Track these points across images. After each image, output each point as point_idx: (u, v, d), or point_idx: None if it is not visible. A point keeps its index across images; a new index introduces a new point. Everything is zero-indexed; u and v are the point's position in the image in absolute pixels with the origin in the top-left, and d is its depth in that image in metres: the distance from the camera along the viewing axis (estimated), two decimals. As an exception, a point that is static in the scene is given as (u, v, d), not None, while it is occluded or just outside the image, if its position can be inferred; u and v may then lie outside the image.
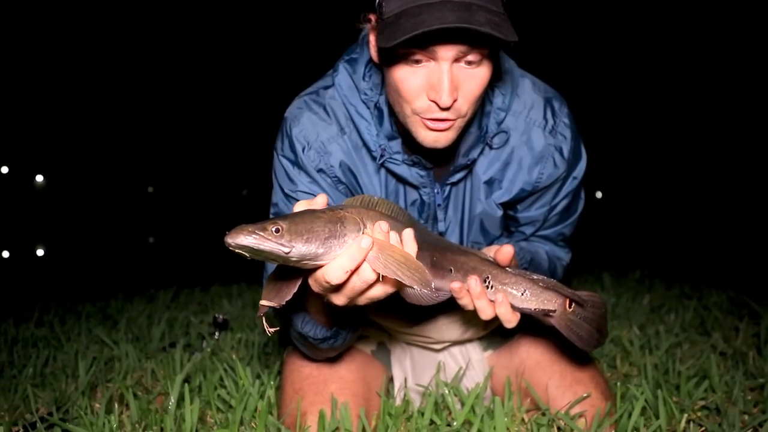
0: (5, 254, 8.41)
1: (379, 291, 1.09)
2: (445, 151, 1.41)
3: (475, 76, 1.26)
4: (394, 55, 1.26)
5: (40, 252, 8.88)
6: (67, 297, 3.67)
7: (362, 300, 1.09)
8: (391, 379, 1.79)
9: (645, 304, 3.02)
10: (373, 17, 1.33)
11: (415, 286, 1.01)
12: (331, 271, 1.00)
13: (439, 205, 1.55)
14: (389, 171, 1.52)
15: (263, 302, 1.09)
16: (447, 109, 1.25)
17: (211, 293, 3.67)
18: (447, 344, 1.75)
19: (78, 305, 3.35)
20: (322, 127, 1.51)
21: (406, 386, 1.73)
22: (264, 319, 1.13)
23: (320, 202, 1.12)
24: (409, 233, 1.08)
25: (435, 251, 1.22)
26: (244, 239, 0.91)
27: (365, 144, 1.49)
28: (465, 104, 1.28)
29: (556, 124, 1.55)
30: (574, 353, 1.71)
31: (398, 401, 1.71)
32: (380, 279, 1.04)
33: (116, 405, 1.68)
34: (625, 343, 2.30)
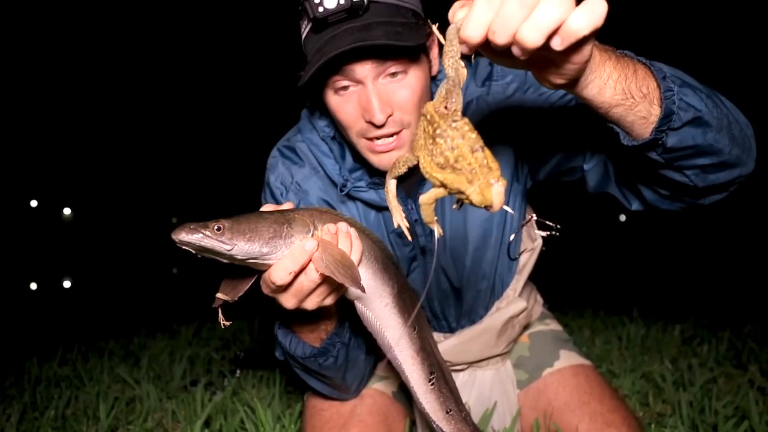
0: (33, 286, 8.54)
1: (325, 292, 1.12)
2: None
3: (404, 85, 1.31)
4: (325, 89, 1.35)
5: (67, 284, 9.00)
6: (91, 332, 3.69)
7: (310, 302, 1.13)
8: (414, 422, 1.74)
9: (676, 335, 2.92)
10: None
11: (346, 284, 1.03)
12: (275, 272, 1.04)
13: (416, 220, 1.53)
14: (360, 200, 1.54)
15: (219, 295, 1.14)
16: (383, 125, 1.30)
17: (232, 328, 3.65)
18: (465, 366, 1.72)
19: (101, 342, 3.35)
20: (296, 170, 1.59)
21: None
22: (220, 311, 1.15)
23: (286, 207, 1.17)
24: (354, 232, 1.11)
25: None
26: (186, 236, 0.96)
27: (331, 179, 1.54)
28: (404, 114, 1.32)
29: (491, 85, 1.51)
30: (604, 393, 1.65)
31: (422, 445, 1.66)
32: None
33: (136, 450, 1.66)
34: (657, 378, 2.21)
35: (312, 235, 1.07)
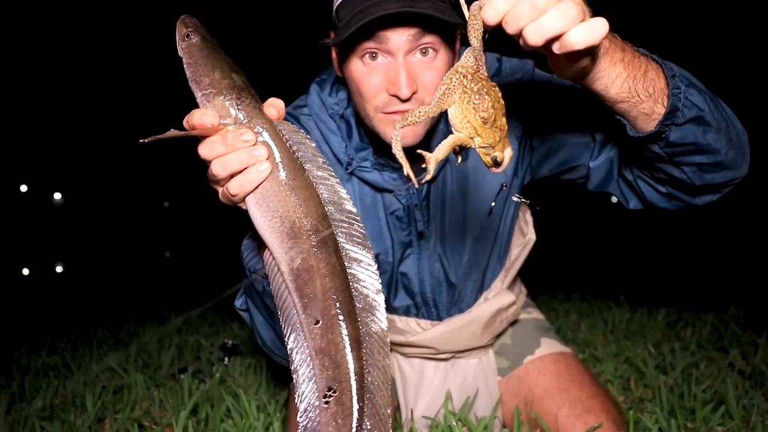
0: (25, 271, 8.52)
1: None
2: (414, 150, 1.43)
3: (433, 67, 1.32)
4: (351, 56, 1.34)
5: (59, 269, 8.99)
6: (82, 319, 3.70)
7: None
8: (398, 407, 1.77)
9: (660, 319, 2.96)
10: (332, 33, 1.40)
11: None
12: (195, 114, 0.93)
13: (416, 205, 1.55)
14: (362, 180, 1.55)
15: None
16: (407, 100, 1.30)
17: (221, 315, 3.67)
18: (450, 355, 1.73)
19: (90, 329, 3.36)
20: None
21: (412, 418, 1.70)
22: None
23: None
24: (265, 170, 0.92)
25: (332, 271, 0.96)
26: (180, 27, 0.98)
27: (336, 156, 1.54)
28: (427, 95, 1.32)
29: (499, 81, 1.51)
30: (584, 380, 1.68)
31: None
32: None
33: (122, 440, 1.68)
34: (639, 363, 2.24)
35: (219, 124, 0.92)
